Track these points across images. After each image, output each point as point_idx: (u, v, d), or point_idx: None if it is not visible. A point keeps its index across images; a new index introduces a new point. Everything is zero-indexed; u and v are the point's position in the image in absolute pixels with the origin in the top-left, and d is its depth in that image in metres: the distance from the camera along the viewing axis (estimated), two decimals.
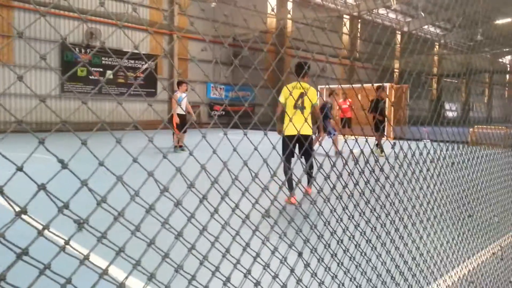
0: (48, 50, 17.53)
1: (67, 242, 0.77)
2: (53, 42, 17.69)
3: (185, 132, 10.94)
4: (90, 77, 18.69)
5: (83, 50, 18.59)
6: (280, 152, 5.33)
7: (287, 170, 5.03)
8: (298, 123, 5.12)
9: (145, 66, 20.39)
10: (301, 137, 4.93)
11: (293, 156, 5.06)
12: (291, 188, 5.14)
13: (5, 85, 16.06)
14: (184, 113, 10.94)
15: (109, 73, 16.55)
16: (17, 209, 0.71)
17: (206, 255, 1.05)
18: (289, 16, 26.40)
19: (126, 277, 0.87)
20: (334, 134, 10.72)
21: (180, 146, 10.80)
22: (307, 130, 5.19)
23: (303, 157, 5.39)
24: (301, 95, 5.27)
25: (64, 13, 17.49)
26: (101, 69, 19.22)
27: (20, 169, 0.72)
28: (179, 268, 0.98)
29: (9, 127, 16.08)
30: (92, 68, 18.95)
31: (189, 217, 1.01)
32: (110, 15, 18.19)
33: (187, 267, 1.00)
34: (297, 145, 5.33)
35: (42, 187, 0.73)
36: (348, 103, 15.19)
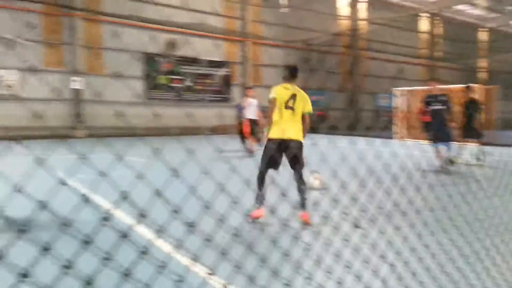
0: (132, 60, 18.86)
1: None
2: (136, 52, 18.97)
3: (255, 137, 11.05)
4: (171, 84, 19.83)
5: (165, 60, 19.77)
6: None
7: (261, 179, 4.40)
8: (288, 127, 4.48)
9: (221, 73, 21.11)
10: (291, 142, 4.42)
11: (276, 166, 4.50)
12: (259, 201, 4.35)
13: (95, 93, 17.53)
14: (254, 118, 10.96)
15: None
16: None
17: None
18: (362, 17, 25.77)
19: None
20: None
21: (251, 152, 10.88)
22: (298, 135, 4.57)
23: (294, 168, 4.51)
24: (293, 97, 4.66)
25: (145, 24, 18.66)
26: (180, 77, 20.34)
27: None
28: None
29: (101, 132, 17.48)
30: (173, 77, 20.09)
31: None
32: (187, 26, 19.14)
33: None
34: (283, 153, 4.50)
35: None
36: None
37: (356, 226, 1.19)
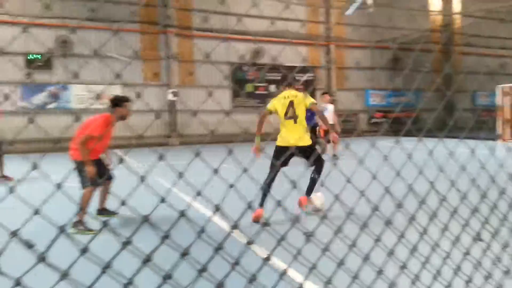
0: (223, 70, 19.76)
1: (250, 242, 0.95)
2: (225, 63, 19.83)
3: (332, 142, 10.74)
4: (256, 92, 20.43)
5: (251, 68, 20.44)
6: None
7: (267, 183, 4.65)
8: (292, 134, 4.84)
9: (304, 78, 21.15)
10: (300, 148, 4.73)
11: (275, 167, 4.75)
12: (262, 201, 4.73)
13: (190, 102, 18.66)
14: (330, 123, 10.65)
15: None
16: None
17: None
18: (456, 10, 23.99)
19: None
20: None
21: (334, 155, 10.70)
22: (304, 141, 4.89)
23: (313, 166, 5.04)
24: (291, 104, 4.93)
25: (234, 36, 19.42)
26: (265, 84, 20.87)
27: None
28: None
29: (198, 139, 18.53)
30: (258, 84, 20.65)
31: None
32: (274, 34, 19.51)
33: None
34: (291, 158, 4.65)
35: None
36: None
37: (479, 239, 1.15)
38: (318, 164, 4.99)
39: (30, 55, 16.39)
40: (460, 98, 23.40)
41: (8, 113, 15.56)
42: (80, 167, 4.65)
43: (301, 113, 4.93)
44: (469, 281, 1.20)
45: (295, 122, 4.89)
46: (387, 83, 23.08)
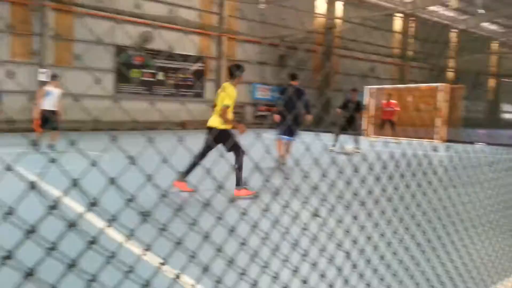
0: (103, 53, 18.43)
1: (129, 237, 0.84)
2: (107, 45, 18.55)
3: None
4: (142, 78, 19.51)
5: (137, 53, 19.43)
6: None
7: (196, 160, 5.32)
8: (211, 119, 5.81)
9: (194, 67, 20.93)
10: (210, 130, 5.74)
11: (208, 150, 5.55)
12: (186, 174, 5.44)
13: (65, 85, 17.05)
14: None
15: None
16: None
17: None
18: (338, 15, 26.00)
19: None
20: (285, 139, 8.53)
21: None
22: (213, 122, 5.72)
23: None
24: (217, 95, 5.94)
25: (119, 16, 18.27)
26: (153, 71, 20.03)
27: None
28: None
29: (76, 125, 17.00)
30: (145, 70, 19.74)
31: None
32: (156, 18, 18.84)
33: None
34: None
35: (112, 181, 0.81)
36: (392, 106, 14.74)
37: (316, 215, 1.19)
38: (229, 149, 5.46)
39: None
40: (335, 96, 25.49)
41: None
42: None
43: (219, 104, 5.75)
44: (305, 255, 1.27)
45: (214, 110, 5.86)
46: (274, 79, 24.05)
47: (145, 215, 0.96)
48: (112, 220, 0.91)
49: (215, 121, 5.66)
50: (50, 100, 9.65)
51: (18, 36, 16.57)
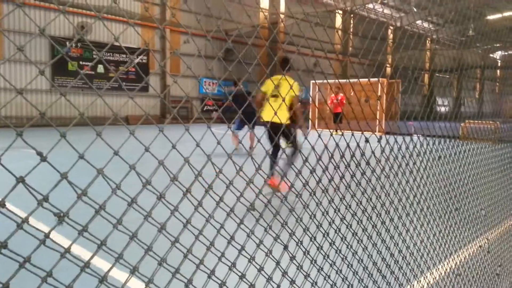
0: (39, 44, 17.34)
1: (47, 235, 0.77)
2: (44, 36, 17.47)
3: None
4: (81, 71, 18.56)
5: (74, 45, 18.44)
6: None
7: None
8: (271, 112, 5.03)
9: (137, 60, 20.29)
10: (274, 125, 5.13)
11: (272, 141, 5.06)
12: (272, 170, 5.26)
13: None
14: None
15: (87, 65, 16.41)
16: None
17: (190, 248, 1.05)
18: (281, 10, 26.30)
19: (109, 270, 0.87)
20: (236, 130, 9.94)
21: None
22: (277, 119, 5.07)
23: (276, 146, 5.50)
24: (277, 86, 5.43)
25: (52, 6, 17.28)
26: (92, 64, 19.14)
27: None
28: (163, 261, 0.99)
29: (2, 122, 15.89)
30: (84, 62, 18.80)
31: (173, 210, 1.01)
32: (92, 8, 18.03)
33: (171, 260, 1.00)
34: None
35: (20, 179, 0.72)
36: (338, 98, 15.33)
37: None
38: (276, 146, 5.37)
39: None
40: None
41: None
42: None
43: (283, 95, 5.10)
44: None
45: (275, 101, 5.51)
46: (220, 72, 23.89)
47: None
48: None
49: (283, 117, 5.07)
50: None
51: None
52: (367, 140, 1.64)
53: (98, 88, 19.04)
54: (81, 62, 18.66)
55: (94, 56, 19.12)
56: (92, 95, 19.07)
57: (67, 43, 18.07)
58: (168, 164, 0.96)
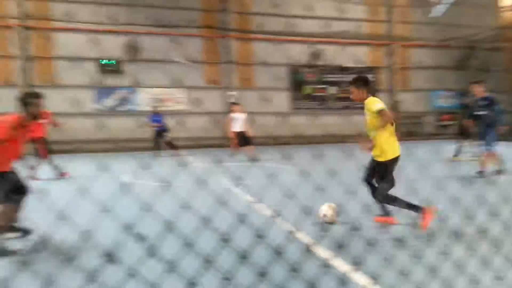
0: (281, 73, 19.79)
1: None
2: (283, 65, 19.84)
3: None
4: (314, 94, 20.31)
5: (309, 70, 20.32)
6: None
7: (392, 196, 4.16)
8: (397, 143, 4.23)
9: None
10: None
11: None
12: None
13: (250, 105, 18.92)
14: None
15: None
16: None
17: None
18: None
19: None
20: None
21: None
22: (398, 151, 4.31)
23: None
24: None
25: (292, 38, 19.40)
26: (324, 86, 20.65)
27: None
28: None
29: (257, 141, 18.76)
30: (316, 86, 20.47)
31: None
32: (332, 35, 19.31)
33: None
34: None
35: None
36: None
37: None
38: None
39: (102, 60, 17.46)
40: None
41: (81, 115, 16.78)
42: None
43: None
44: None
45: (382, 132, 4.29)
46: (455, 84, 21.82)
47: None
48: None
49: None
50: (238, 123, 11.56)
51: (209, 65, 19.15)
52: None
53: (330, 108, 20.34)
54: (315, 86, 20.38)
55: (327, 79, 20.52)
56: (325, 114, 20.28)
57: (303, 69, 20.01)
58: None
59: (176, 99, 18.57)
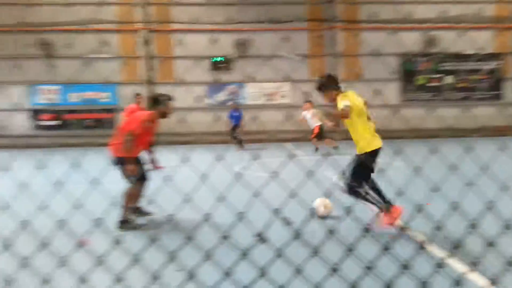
0: (390, 62, 18.83)
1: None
2: (394, 55, 18.83)
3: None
4: (428, 84, 18.93)
5: (422, 59, 18.99)
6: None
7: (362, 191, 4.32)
8: (375, 136, 4.45)
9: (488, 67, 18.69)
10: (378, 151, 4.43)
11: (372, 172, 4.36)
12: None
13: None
14: None
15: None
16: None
17: None
18: None
19: None
20: None
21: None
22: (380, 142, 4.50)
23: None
24: (366, 104, 4.56)
25: (403, 26, 18.28)
26: (439, 75, 19.14)
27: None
28: None
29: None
30: (431, 76, 19.06)
31: None
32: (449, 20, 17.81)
33: None
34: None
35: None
36: None
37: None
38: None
39: (214, 58, 18.52)
40: None
41: (197, 109, 18.06)
42: (121, 163, 4.45)
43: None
44: None
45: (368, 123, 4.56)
46: None
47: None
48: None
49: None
50: (313, 119, 12.50)
51: (315, 58, 19.05)
52: None
53: (446, 100, 18.80)
54: (429, 76, 19.00)
55: (443, 68, 19.00)
56: (441, 106, 18.81)
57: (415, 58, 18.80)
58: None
59: (282, 93, 18.92)
